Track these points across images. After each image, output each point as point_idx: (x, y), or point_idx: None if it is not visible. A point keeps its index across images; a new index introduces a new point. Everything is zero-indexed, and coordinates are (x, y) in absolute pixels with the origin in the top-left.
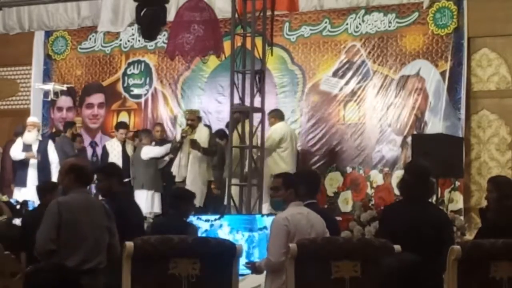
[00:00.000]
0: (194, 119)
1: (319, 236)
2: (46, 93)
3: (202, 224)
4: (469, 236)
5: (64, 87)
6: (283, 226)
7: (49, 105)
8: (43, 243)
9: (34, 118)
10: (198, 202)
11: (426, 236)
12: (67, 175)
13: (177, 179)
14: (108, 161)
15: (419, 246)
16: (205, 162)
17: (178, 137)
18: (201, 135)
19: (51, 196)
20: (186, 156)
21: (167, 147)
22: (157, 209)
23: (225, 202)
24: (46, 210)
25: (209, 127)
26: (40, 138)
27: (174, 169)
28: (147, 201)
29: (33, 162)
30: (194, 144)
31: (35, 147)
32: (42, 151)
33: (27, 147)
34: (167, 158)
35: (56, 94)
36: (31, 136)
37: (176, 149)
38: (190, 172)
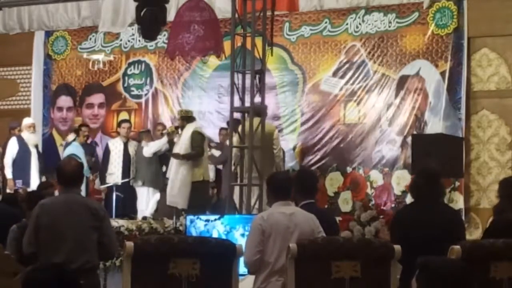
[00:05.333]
0: (178, 119)
1: (306, 236)
2: (93, 63)
3: (201, 223)
4: (469, 236)
5: (111, 57)
6: (258, 225)
7: (49, 105)
8: (25, 246)
9: (30, 118)
10: (180, 205)
11: (438, 237)
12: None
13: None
14: (110, 160)
15: (432, 247)
16: (187, 164)
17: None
18: (184, 137)
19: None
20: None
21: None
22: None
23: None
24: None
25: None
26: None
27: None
28: (146, 198)
29: None
30: (173, 154)
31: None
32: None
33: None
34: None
35: (104, 64)
36: (33, 137)
37: (167, 150)
38: (170, 175)
